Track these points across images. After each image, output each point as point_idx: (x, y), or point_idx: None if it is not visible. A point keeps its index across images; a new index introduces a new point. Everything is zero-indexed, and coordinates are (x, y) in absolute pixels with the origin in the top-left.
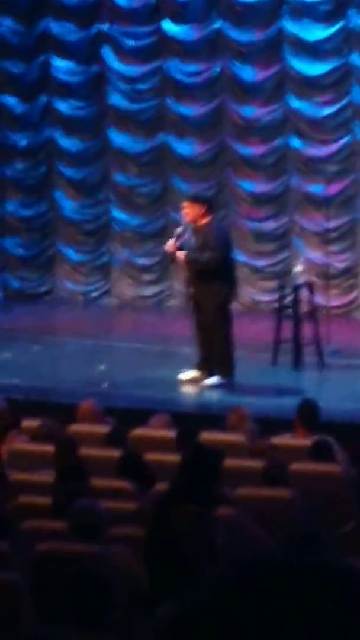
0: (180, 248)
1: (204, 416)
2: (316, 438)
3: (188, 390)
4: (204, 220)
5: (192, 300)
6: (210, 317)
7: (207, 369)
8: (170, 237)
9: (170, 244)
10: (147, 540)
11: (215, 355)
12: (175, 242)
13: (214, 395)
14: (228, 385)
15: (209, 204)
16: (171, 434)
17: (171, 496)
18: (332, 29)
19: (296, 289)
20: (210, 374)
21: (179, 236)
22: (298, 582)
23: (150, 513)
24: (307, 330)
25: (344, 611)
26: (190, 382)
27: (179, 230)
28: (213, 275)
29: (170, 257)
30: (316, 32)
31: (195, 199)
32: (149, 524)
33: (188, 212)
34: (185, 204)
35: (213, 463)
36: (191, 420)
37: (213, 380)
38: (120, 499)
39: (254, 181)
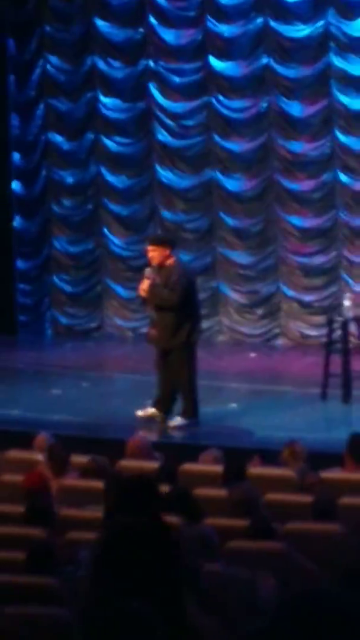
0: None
1: (253, 451)
2: None
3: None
4: (169, 261)
5: (155, 342)
6: (177, 359)
7: (163, 409)
8: (141, 280)
9: (144, 287)
10: None
11: (180, 395)
12: (149, 284)
13: (264, 430)
14: (192, 425)
15: (173, 244)
16: (219, 469)
17: None
18: None
19: (345, 323)
20: (167, 414)
21: (149, 278)
22: (349, 617)
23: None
24: (356, 364)
25: None
26: (148, 419)
27: (148, 272)
28: (178, 316)
29: (143, 300)
30: None
31: (161, 242)
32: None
33: (155, 255)
34: (150, 247)
35: None
36: (240, 455)
37: (177, 421)
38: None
39: (302, 216)
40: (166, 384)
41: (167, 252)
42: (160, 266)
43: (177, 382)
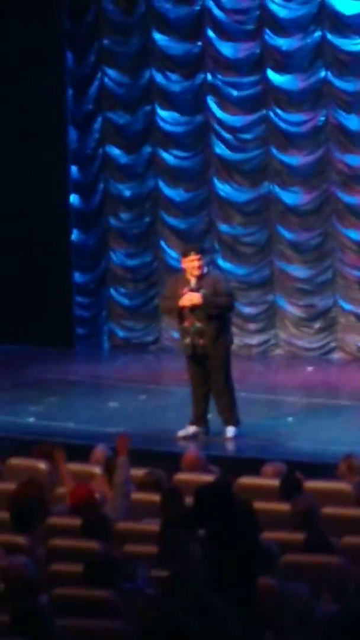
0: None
1: (311, 465)
2: None
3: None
4: (206, 269)
5: (198, 352)
6: (217, 366)
7: (204, 423)
8: (181, 293)
9: (196, 300)
10: None
11: (223, 404)
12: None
13: (321, 444)
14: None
15: None
16: (274, 483)
17: None
18: None
19: None
20: (207, 428)
21: (197, 289)
22: None
23: None
24: None
25: None
26: (191, 438)
27: (193, 284)
28: (221, 323)
29: (183, 310)
30: None
31: (202, 250)
32: None
33: (201, 264)
34: (197, 256)
35: None
36: (299, 469)
37: (232, 431)
38: None
39: None
40: (204, 398)
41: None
42: (201, 275)
43: (218, 389)
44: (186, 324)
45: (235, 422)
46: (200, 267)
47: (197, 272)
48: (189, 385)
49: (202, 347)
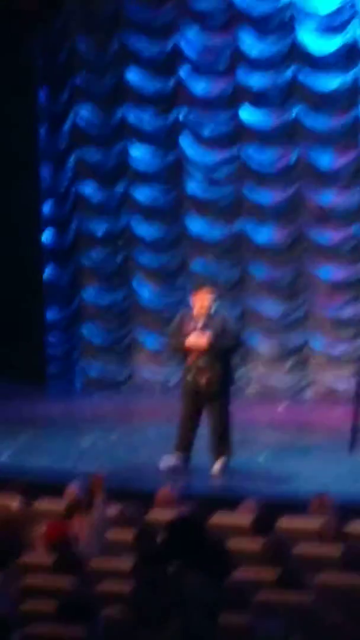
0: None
1: (284, 503)
2: None
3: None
4: (214, 309)
5: (200, 391)
6: (218, 406)
7: (189, 452)
8: (187, 332)
9: (203, 341)
10: None
11: (220, 438)
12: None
13: (292, 482)
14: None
15: None
16: (248, 520)
17: None
18: None
19: None
20: (186, 460)
21: (205, 328)
22: None
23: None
24: None
25: None
26: (171, 471)
27: (202, 323)
28: (226, 364)
29: (188, 349)
30: None
31: (214, 291)
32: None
33: (211, 303)
34: (208, 293)
35: None
36: (270, 506)
37: (222, 461)
38: None
39: (332, 268)
40: (193, 429)
41: None
42: (210, 315)
43: (217, 426)
44: (189, 361)
45: (229, 454)
46: (209, 307)
47: (204, 311)
48: (180, 416)
49: (205, 385)
